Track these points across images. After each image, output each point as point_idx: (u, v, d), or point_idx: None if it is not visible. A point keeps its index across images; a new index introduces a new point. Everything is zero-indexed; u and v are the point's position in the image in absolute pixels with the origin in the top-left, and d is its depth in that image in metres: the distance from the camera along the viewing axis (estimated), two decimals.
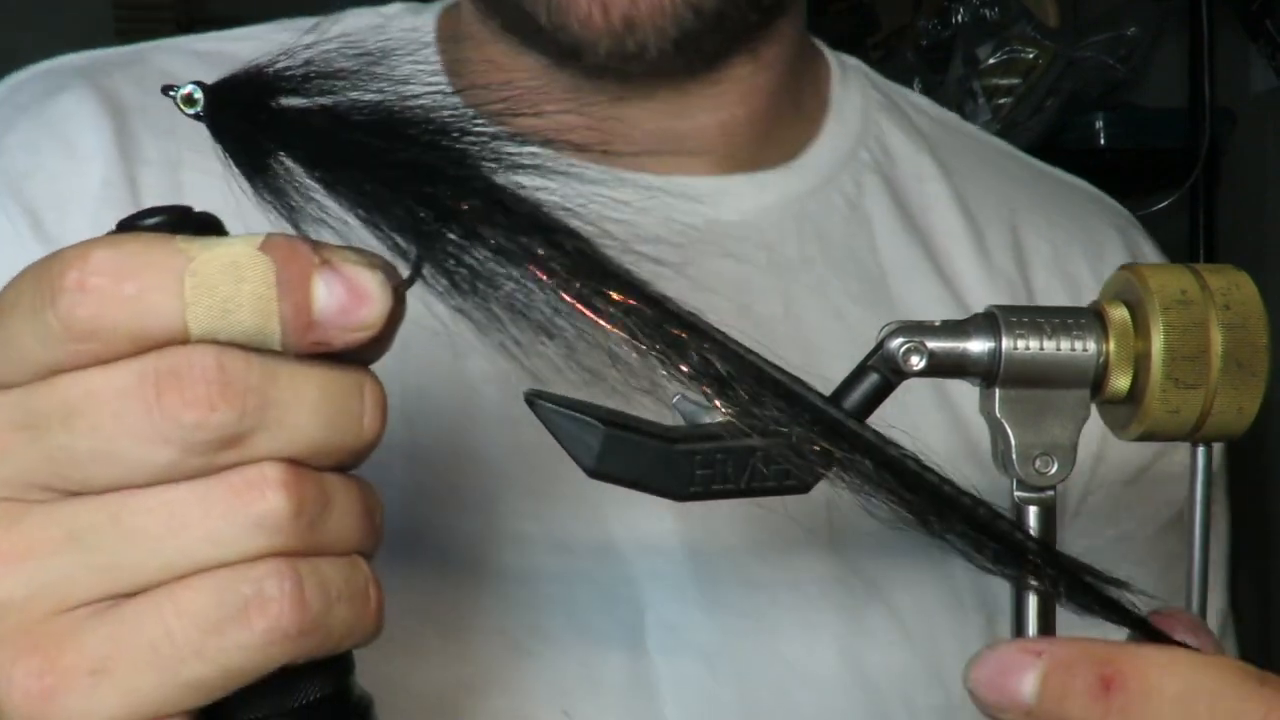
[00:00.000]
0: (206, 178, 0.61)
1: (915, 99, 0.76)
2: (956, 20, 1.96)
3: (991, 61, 1.91)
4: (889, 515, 0.36)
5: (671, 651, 0.57)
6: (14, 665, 0.32)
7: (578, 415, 0.37)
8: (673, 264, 0.60)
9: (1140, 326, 0.40)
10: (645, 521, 0.57)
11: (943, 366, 0.40)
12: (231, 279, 0.31)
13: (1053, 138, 1.94)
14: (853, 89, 0.71)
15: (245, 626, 0.32)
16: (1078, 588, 0.37)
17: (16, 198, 0.59)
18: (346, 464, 0.34)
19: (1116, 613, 0.38)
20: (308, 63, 0.33)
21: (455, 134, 0.33)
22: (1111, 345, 0.40)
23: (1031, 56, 1.90)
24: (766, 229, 0.64)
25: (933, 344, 0.40)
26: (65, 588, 0.32)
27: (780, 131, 0.66)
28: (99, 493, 0.32)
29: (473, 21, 0.63)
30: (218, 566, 0.32)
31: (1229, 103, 1.98)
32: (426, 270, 0.33)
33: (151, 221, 0.33)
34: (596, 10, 0.55)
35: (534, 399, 0.38)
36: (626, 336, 0.34)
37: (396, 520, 0.56)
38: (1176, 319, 0.39)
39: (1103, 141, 1.95)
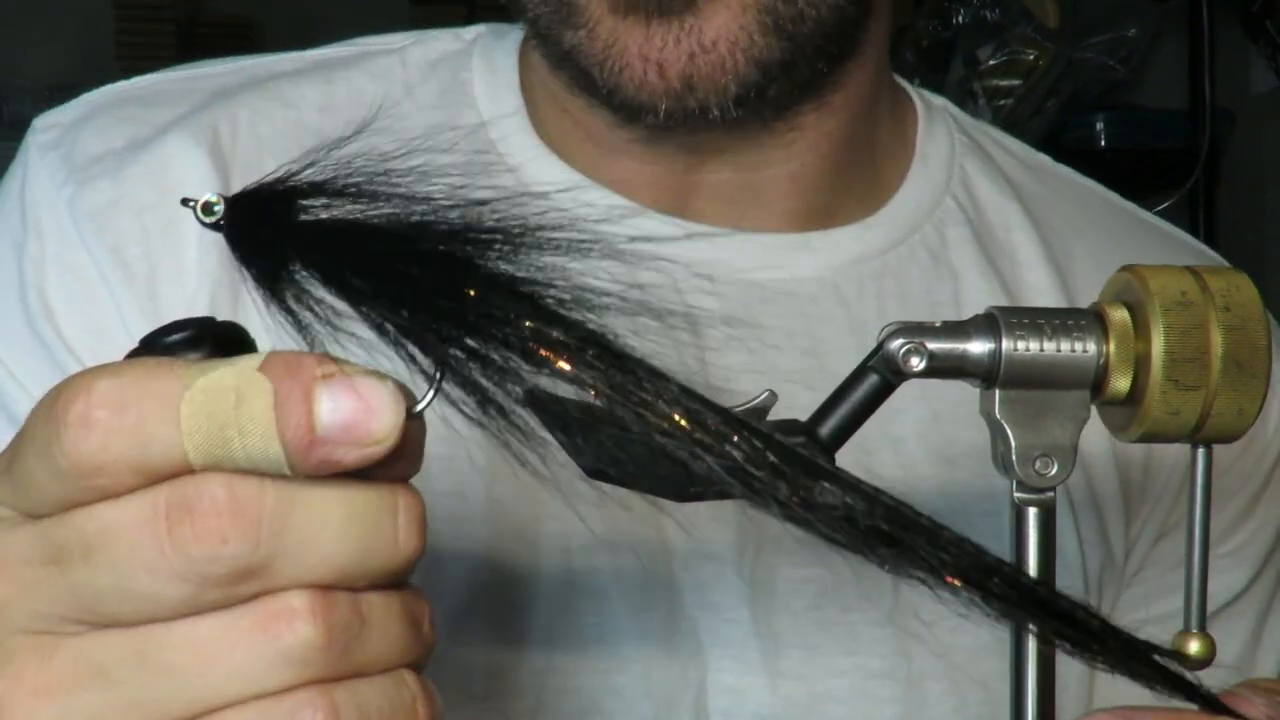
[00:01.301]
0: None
1: (1005, 141, 0.73)
2: (957, 21, 1.96)
3: (992, 62, 1.91)
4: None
5: (730, 715, 0.57)
6: None
7: (576, 415, 0.37)
8: (743, 323, 0.60)
9: (1140, 328, 0.40)
10: (714, 582, 0.57)
11: (943, 368, 0.40)
12: (228, 403, 0.30)
13: (1053, 138, 1.94)
14: (939, 134, 0.68)
15: None
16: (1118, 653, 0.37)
17: (100, 235, 0.59)
18: (385, 582, 0.33)
19: (1178, 688, 0.37)
20: (334, 176, 0.33)
21: (484, 244, 0.32)
22: (1111, 346, 0.40)
23: (1032, 57, 1.90)
24: (843, 286, 0.62)
25: (933, 345, 0.39)
26: None
27: (857, 181, 0.64)
28: (127, 626, 0.31)
29: (544, 69, 0.61)
30: (249, 699, 0.31)
31: (1229, 103, 1.98)
32: (448, 386, 0.32)
33: (174, 339, 0.33)
34: (653, 72, 0.53)
35: (534, 399, 0.38)
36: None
37: (480, 578, 0.56)
38: (1177, 320, 0.39)
39: (1103, 142, 1.95)
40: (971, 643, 0.60)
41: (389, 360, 0.32)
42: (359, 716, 0.32)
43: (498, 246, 0.32)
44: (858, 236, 0.64)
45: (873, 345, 0.38)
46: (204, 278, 0.58)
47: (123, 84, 0.65)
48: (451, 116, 0.63)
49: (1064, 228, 0.68)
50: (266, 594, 0.31)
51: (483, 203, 0.33)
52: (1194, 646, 0.41)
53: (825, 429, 0.40)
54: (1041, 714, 0.41)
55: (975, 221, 0.66)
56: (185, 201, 0.33)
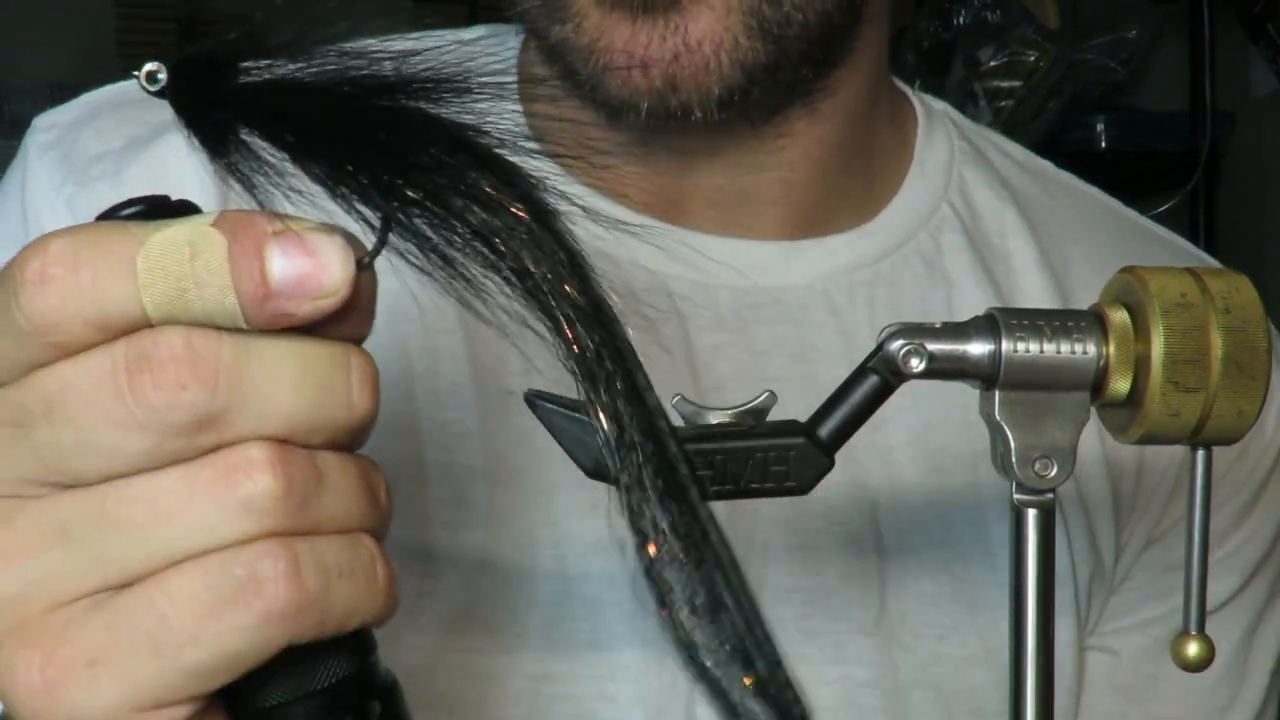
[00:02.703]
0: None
1: (1006, 146, 0.72)
2: (957, 22, 1.96)
3: (993, 64, 1.91)
4: None
5: None
6: (15, 660, 0.32)
7: (578, 416, 0.37)
8: (732, 329, 0.59)
9: (1140, 329, 0.40)
10: None
11: (943, 369, 0.40)
12: (183, 257, 0.31)
13: (1053, 140, 1.94)
14: (938, 140, 0.68)
15: (241, 609, 0.31)
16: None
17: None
18: (341, 442, 0.34)
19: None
20: (271, 36, 0.33)
21: (419, 93, 0.33)
22: (1111, 348, 0.40)
23: (1032, 59, 1.90)
24: (834, 294, 0.62)
25: (933, 346, 0.39)
26: (59, 582, 0.32)
27: (852, 187, 0.64)
28: (88, 485, 0.32)
29: (540, 70, 0.61)
30: (210, 551, 0.32)
31: (1229, 105, 1.98)
32: (393, 238, 0.33)
33: (129, 212, 0.33)
34: (637, 71, 0.53)
35: (534, 400, 0.38)
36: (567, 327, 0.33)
37: (475, 584, 0.56)
38: (1176, 322, 0.39)
39: (1104, 144, 1.95)
40: (959, 653, 0.60)
41: (339, 216, 0.33)
42: (318, 568, 0.32)
43: (434, 95, 0.33)
44: (851, 244, 0.64)
45: (863, 354, 0.38)
46: None
47: (122, 85, 0.65)
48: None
49: (1063, 234, 0.68)
50: (225, 446, 0.32)
51: (416, 52, 0.34)
52: (1192, 649, 0.41)
53: (825, 429, 0.40)
54: (1042, 706, 0.41)
55: (971, 228, 0.66)
56: (128, 73, 0.33)
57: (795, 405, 0.41)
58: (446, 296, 0.33)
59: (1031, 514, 0.41)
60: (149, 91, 0.33)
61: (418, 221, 0.32)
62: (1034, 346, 0.39)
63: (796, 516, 0.59)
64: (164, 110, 0.62)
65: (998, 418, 0.40)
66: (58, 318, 0.31)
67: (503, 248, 0.33)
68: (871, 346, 0.42)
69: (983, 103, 1.91)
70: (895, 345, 0.40)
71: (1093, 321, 0.40)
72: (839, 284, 0.63)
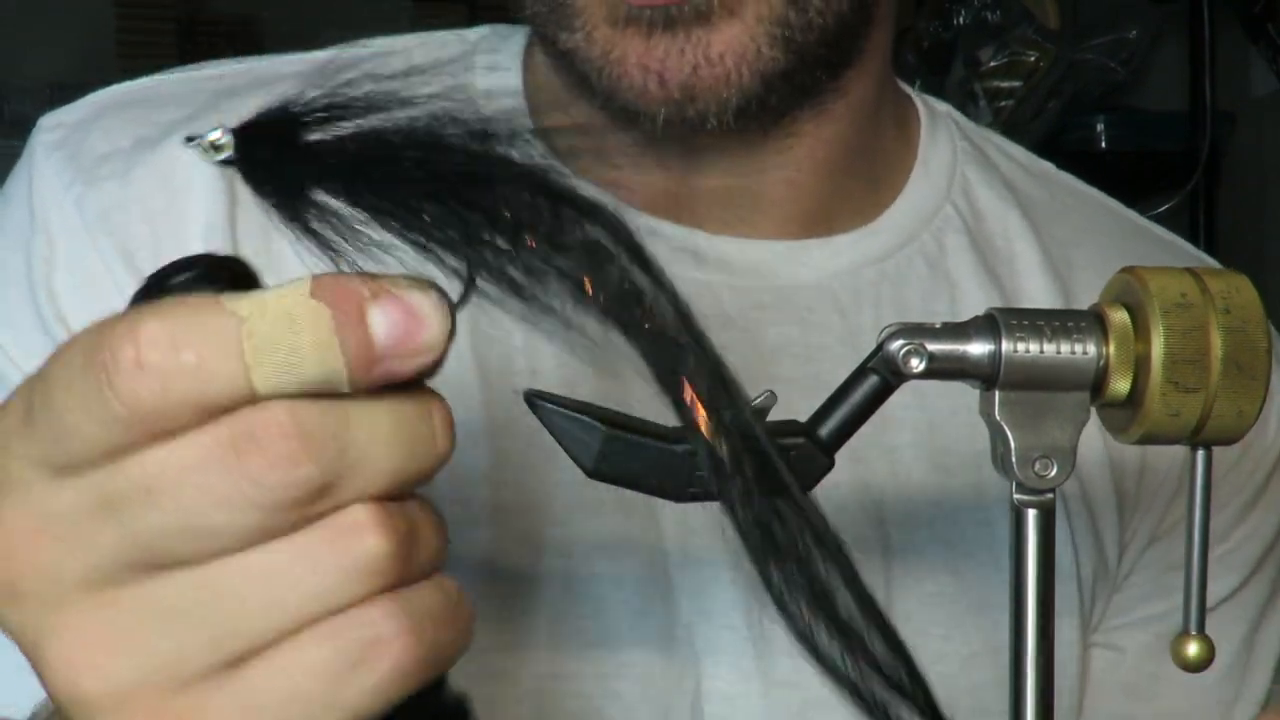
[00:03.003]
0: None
1: (1008, 148, 0.72)
2: (958, 22, 1.96)
3: (993, 64, 1.91)
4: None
5: None
6: None
7: (577, 416, 0.37)
8: (738, 328, 0.59)
9: (1140, 329, 0.40)
10: (711, 589, 0.58)
11: (943, 369, 0.40)
12: (289, 332, 0.30)
13: (1054, 140, 1.94)
14: (941, 141, 0.68)
15: (370, 670, 0.31)
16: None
17: (111, 236, 0.59)
18: (420, 486, 0.34)
19: None
20: (334, 93, 0.33)
21: (490, 144, 0.33)
22: (1111, 348, 0.40)
23: (1032, 59, 1.90)
24: (840, 293, 0.62)
25: (933, 346, 0.40)
26: (178, 666, 0.31)
27: (858, 187, 0.64)
28: (193, 564, 0.31)
29: (546, 69, 0.61)
30: (329, 615, 0.32)
31: (1229, 105, 1.99)
32: (479, 282, 0.33)
33: (181, 278, 0.33)
34: (653, 82, 0.53)
35: (533, 399, 0.38)
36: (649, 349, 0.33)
37: (482, 584, 0.56)
38: (1176, 322, 0.39)
39: (1104, 144, 1.95)
40: (962, 651, 0.60)
41: (416, 264, 0.33)
42: (427, 618, 0.33)
43: (505, 145, 0.33)
44: (856, 243, 0.64)
45: (866, 354, 0.38)
46: None
47: (128, 84, 0.65)
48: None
49: (1065, 235, 0.68)
50: (331, 512, 0.31)
51: (479, 115, 0.34)
52: (1193, 649, 0.41)
53: (825, 430, 0.40)
54: (1042, 706, 0.41)
55: (974, 229, 0.66)
56: (190, 140, 0.33)
57: (802, 405, 0.41)
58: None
59: (1031, 514, 0.41)
60: (215, 161, 0.33)
61: (504, 267, 0.32)
62: (1034, 346, 0.39)
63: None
64: (171, 110, 0.62)
65: (998, 418, 0.40)
66: (161, 405, 0.30)
67: (590, 286, 0.33)
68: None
69: (983, 103, 1.91)
70: (895, 345, 0.40)
71: (1093, 321, 0.40)
72: (844, 283, 0.63)
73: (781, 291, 0.62)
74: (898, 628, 0.59)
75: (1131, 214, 0.73)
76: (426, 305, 0.31)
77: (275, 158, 0.33)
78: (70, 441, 0.31)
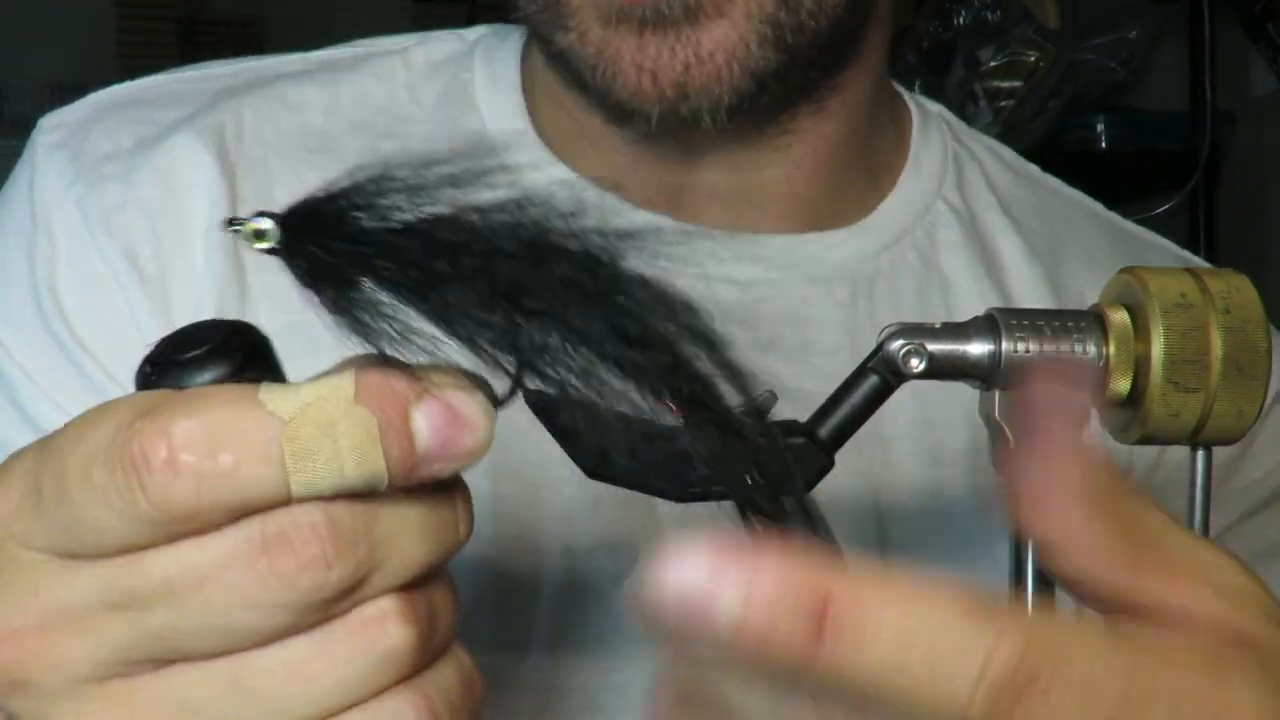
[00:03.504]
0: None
1: (997, 148, 0.73)
2: (958, 22, 1.96)
3: (992, 64, 1.91)
4: None
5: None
6: None
7: (577, 416, 0.37)
8: (735, 322, 0.60)
9: (1140, 329, 0.40)
10: None
11: (943, 369, 0.40)
12: (330, 437, 0.29)
13: (1054, 140, 1.94)
14: (933, 140, 0.69)
15: None
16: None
17: (112, 236, 0.59)
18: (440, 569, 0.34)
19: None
20: (379, 179, 0.31)
21: (538, 235, 0.31)
22: (1112, 348, 0.40)
23: (1033, 59, 1.90)
24: (835, 288, 0.63)
25: (933, 346, 0.40)
26: None
27: (854, 185, 0.65)
28: (209, 658, 0.31)
29: (543, 69, 0.61)
30: (353, 705, 0.31)
31: (1230, 105, 1.98)
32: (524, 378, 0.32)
33: (195, 354, 0.31)
34: (646, 80, 0.53)
35: (533, 400, 0.38)
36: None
37: (485, 578, 0.56)
38: (1176, 322, 0.39)
39: (1104, 144, 1.95)
40: None
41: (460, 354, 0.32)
42: (445, 701, 0.32)
43: (557, 243, 0.31)
44: (849, 239, 0.64)
45: (864, 347, 0.38)
46: (211, 280, 0.58)
47: (129, 84, 0.65)
48: (453, 117, 0.63)
49: (1051, 235, 0.69)
50: (356, 606, 0.31)
51: (524, 203, 0.32)
52: None
53: (825, 429, 0.40)
54: None
55: (966, 226, 0.67)
56: (230, 223, 0.31)
57: (798, 399, 0.41)
58: None
59: None
60: (257, 249, 0.31)
61: (549, 364, 0.31)
62: (1034, 347, 0.39)
63: None
64: (172, 110, 0.62)
65: (997, 418, 0.40)
66: (196, 507, 0.29)
67: (671, 402, 0.32)
68: (872, 340, 0.42)
69: (983, 103, 1.91)
70: (895, 345, 0.40)
71: (1093, 322, 0.40)
72: (840, 278, 0.63)
73: (777, 286, 0.62)
74: None
75: (1115, 216, 0.74)
76: (472, 408, 0.30)
77: (321, 248, 0.31)
78: (86, 533, 0.30)
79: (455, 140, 0.65)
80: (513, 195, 0.31)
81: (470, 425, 0.30)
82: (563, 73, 0.58)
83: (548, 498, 0.57)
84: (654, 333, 0.31)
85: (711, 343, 0.32)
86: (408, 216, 0.31)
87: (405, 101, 0.64)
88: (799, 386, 0.44)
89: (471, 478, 0.59)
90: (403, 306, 0.31)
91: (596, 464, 0.37)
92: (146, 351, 0.32)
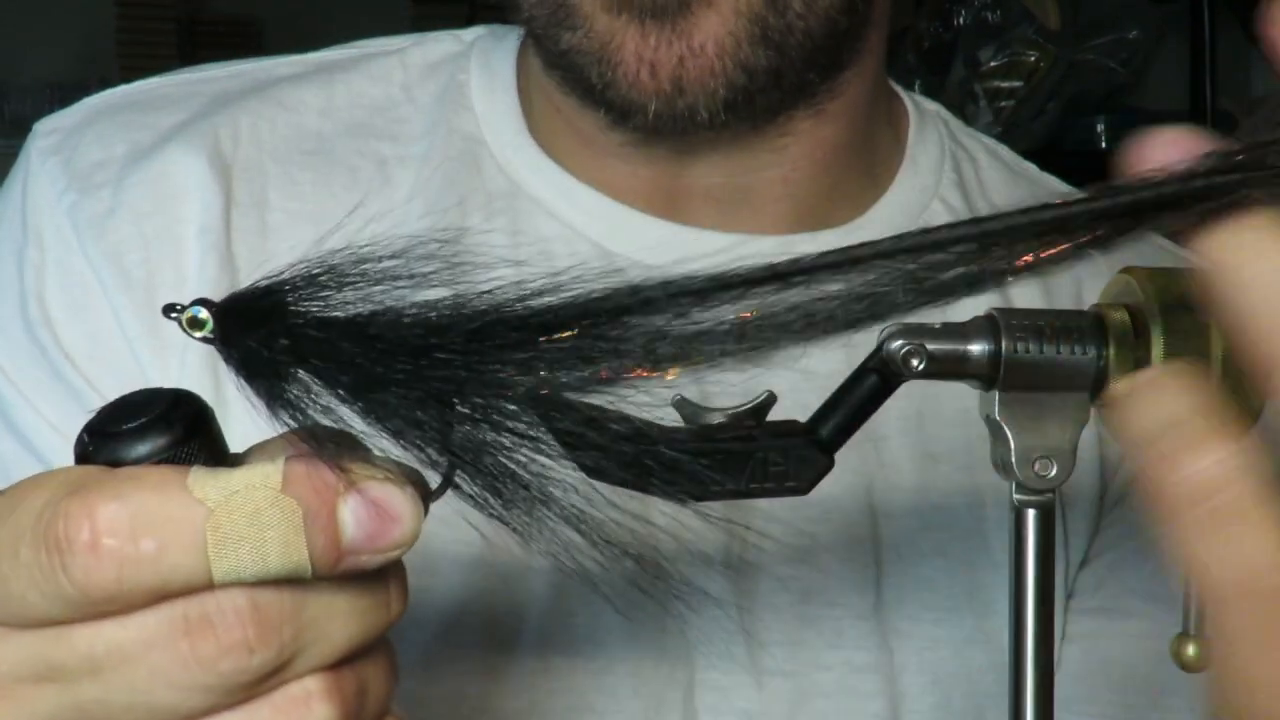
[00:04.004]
0: (290, 218, 0.60)
1: (996, 149, 0.73)
2: (958, 23, 1.96)
3: (993, 64, 1.92)
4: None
5: (719, 713, 0.58)
6: None
7: (579, 416, 0.37)
8: (730, 320, 0.60)
9: (1140, 330, 0.40)
10: (701, 582, 0.58)
11: (942, 369, 0.40)
12: (255, 526, 0.30)
13: (1054, 141, 1.94)
14: (929, 139, 0.69)
15: None
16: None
17: (100, 242, 0.59)
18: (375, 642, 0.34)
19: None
20: (321, 274, 0.32)
21: (480, 336, 0.31)
22: (1111, 349, 0.39)
23: (1033, 59, 1.90)
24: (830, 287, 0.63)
25: (932, 346, 0.39)
26: None
27: (849, 186, 0.65)
28: None
29: (539, 71, 0.61)
30: None
31: (1230, 105, 1.98)
32: (458, 477, 0.32)
33: (132, 426, 0.31)
34: (645, 72, 0.54)
35: (535, 400, 0.38)
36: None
37: (473, 580, 0.57)
38: (1176, 322, 0.39)
39: (1104, 144, 1.95)
40: (955, 636, 0.61)
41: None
42: None
43: (495, 337, 0.32)
44: (844, 238, 0.64)
45: (858, 345, 0.38)
46: (204, 285, 0.58)
47: (123, 88, 0.65)
48: (449, 118, 0.63)
49: None
50: (281, 685, 0.31)
51: (478, 294, 0.32)
52: (1190, 650, 0.41)
53: (825, 430, 0.40)
54: (1042, 704, 0.41)
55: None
56: (168, 311, 0.32)
57: (792, 397, 0.41)
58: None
59: (1031, 514, 0.41)
60: (193, 337, 0.31)
61: (480, 466, 0.32)
62: (1034, 347, 0.39)
63: (792, 503, 0.59)
64: (166, 114, 0.62)
65: (997, 418, 0.40)
66: (117, 590, 0.29)
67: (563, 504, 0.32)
68: (868, 338, 0.42)
69: (983, 103, 1.91)
70: (895, 345, 0.40)
71: (1093, 322, 0.40)
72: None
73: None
74: (889, 613, 0.60)
75: None
76: (400, 502, 0.31)
77: (256, 341, 0.31)
78: (14, 606, 0.30)
79: (450, 141, 0.65)
80: (452, 294, 0.31)
81: (397, 520, 0.31)
82: (563, 75, 0.58)
83: None
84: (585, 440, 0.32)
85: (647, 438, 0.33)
86: (348, 312, 0.31)
87: (401, 102, 0.64)
88: (794, 383, 0.44)
89: None
90: (337, 402, 0.31)
91: (596, 465, 0.37)
92: (87, 419, 0.32)
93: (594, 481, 0.33)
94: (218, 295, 0.57)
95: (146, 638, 0.30)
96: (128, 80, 0.65)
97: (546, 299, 0.32)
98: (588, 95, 0.57)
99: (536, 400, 0.37)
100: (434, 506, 0.33)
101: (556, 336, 0.31)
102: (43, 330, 0.58)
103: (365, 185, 0.61)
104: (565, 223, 0.61)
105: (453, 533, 0.56)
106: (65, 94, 0.66)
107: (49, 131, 0.62)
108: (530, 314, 0.31)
